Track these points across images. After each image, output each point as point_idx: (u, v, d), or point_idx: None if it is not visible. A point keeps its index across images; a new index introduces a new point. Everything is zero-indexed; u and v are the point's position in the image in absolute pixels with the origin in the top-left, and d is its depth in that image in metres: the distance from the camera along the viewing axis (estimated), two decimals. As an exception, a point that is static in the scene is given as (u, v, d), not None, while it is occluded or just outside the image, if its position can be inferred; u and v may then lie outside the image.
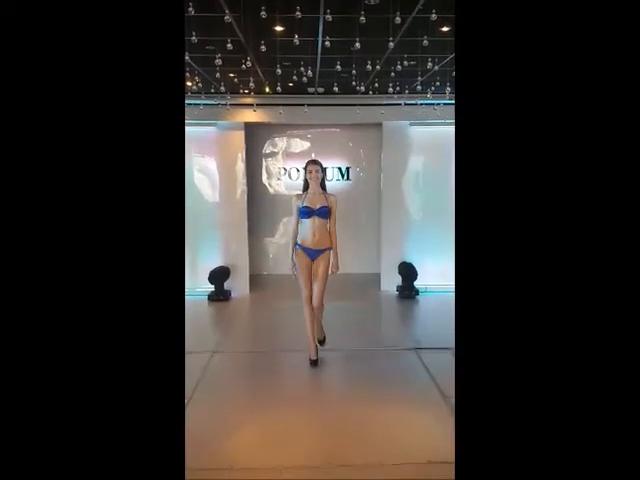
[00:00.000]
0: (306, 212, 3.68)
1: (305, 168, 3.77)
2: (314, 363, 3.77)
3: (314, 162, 3.76)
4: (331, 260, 3.77)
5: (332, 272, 3.74)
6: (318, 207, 3.68)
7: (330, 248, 3.77)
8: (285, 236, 6.88)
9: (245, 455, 2.53)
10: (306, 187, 3.76)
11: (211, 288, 5.99)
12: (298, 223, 3.74)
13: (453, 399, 3.13)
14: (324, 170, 3.81)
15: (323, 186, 3.77)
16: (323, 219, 3.70)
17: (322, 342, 3.99)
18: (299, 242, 3.74)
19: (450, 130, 5.82)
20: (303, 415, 2.91)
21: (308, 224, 3.70)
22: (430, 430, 2.81)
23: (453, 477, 2.32)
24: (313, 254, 3.73)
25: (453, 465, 2.40)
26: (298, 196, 3.76)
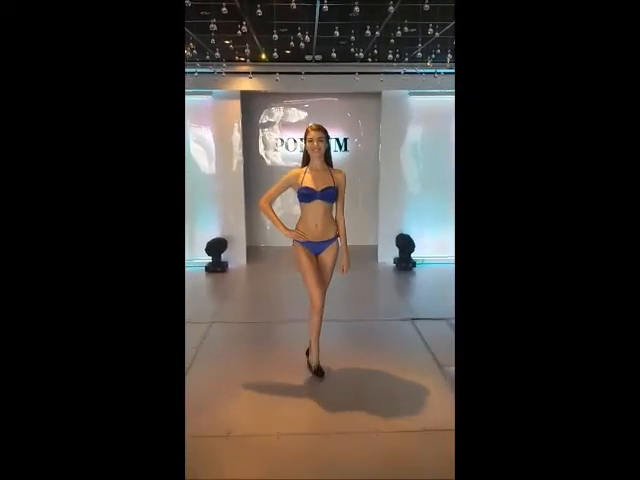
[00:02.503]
0: (306, 195, 2.78)
1: (305, 136, 2.81)
2: (319, 372, 3.03)
3: (316, 128, 2.77)
4: (339, 256, 2.96)
5: (342, 272, 2.97)
6: (322, 188, 2.77)
7: (338, 236, 2.94)
8: (282, 209, 6.84)
9: (243, 422, 2.58)
10: (307, 161, 2.85)
11: (208, 259, 5.99)
12: (277, 195, 2.94)
13: (448, 368, 3.18)
14: (329, 139, 2.86)
15: (328, 160, 2.86)
16: (328, 203, 2.82)
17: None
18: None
19: (450, 100, 5.73)
20: (300, 384, 2.95)
21: (309, 211, 2.82)
22: (426, 399, 2.86)
23: (449, 445, 2.37)
24: (317, 248, 2.90)
25: (448, 433, 2.45)
26: (296, 174, 2.84)
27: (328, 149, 2.86)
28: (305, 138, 2.81)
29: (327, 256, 2.93)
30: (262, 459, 2.28)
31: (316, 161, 2.81)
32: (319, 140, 2.76)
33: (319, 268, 2.91)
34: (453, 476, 2.14)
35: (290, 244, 3.01)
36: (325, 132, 2.80)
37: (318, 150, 2.77)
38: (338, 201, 2.87)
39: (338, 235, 2.93)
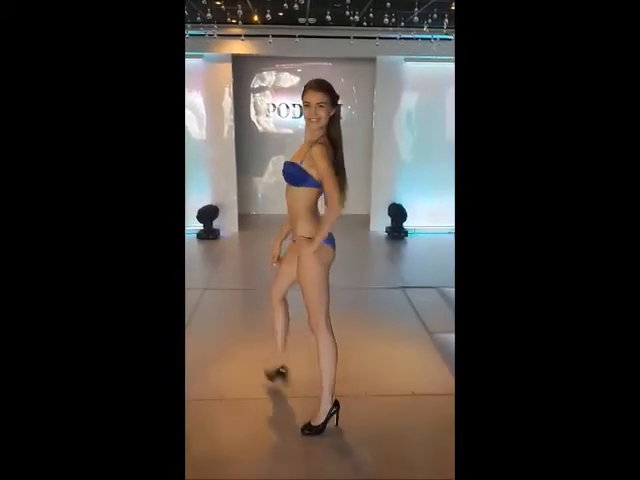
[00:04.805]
0: (283, 173, 2.14)
1: (302, 98, 2.02)
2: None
3: (317, 87, 1.98)
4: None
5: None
6: (288, 164, 2.09)
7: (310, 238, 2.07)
8: (275, 175, 6.79)
9: (236, 386, 2.63)
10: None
11: (200, 227, 5.97)
12: None
13: (438, 334, 3.25)
14: (336, 100, 2.03)
15: (334, 133, 2.07)
16: (293, 186, 2.07)
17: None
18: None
19: (446, 67, 5.64)
20: (291, 349, 3.00)
21: (285, 194, 2.16)
22: (415, 364, 2.93)
23: (435, 408, 2.45)
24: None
25: (436, 397, 2.53)
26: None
27: (335, 120, 2.04)
28: (303, 100, 2.01)
29: (299, 261, 2.12)
30: (254, 422, 2.34)
31: (314, 133, 2.03)
32: (318, 105, 1.97)
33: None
34: (439, 437, 2.21)
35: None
36: (330, 92, 1.99)
37: (317, 120, 1.98)
38: (323, 185, 2.00)
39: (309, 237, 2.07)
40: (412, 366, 2.91)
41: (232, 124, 6.06)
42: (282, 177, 2.16)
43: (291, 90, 6.68)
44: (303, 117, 2.10)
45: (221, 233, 6.10)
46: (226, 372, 2.80)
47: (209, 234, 5.94)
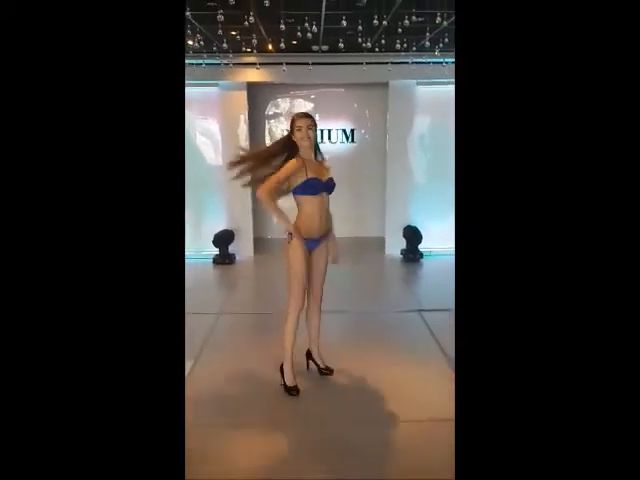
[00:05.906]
0: (316, 186, 2.68)
1: (292, 125, 2.69)
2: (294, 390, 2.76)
3: (305, 115, 2.71)
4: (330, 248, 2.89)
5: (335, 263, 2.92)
6: (327, 179, 2.74)
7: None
8: (288, 199, 6.82)
9: (251, 411, 2.60)
10: (288, 151, 2.71)
11: (215, 251, 6.01)
12: (279, 185, 2.71)
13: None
14: (317, 128, 2.74)
15: (318, 151, 2.79)
16: (328, 194, 2.79)
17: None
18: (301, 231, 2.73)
19: (458, 90, 5.67)
20: (308, 374, 2.98)
21: (315, 204, 2.72)
22: (432, 388, 2.87)
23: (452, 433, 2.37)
24: (315, 243, 2.79)
25: (454, 422, 2.46)
26: (300, 164, 2.64)
27: (316, 139, 2.74)
28: (292, 127, 2.67)
29: (324, 251, 2.84)
30: (270, 447, 2.30)
31: (308, 151, 2.68)
32: (308, 128, 2.64)
33: (312, 266, 2.79)
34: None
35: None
36: (314, 120, 2.71)
37: (308, 139, 2.64)
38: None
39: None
40: (430, 391, 2.84)
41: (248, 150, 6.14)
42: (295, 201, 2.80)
43: (305, 116, 6.78)
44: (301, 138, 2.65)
45: (237, 257, 6.13)
46: (242, 397, 2.77)
47: (225, 259, 5.97)
